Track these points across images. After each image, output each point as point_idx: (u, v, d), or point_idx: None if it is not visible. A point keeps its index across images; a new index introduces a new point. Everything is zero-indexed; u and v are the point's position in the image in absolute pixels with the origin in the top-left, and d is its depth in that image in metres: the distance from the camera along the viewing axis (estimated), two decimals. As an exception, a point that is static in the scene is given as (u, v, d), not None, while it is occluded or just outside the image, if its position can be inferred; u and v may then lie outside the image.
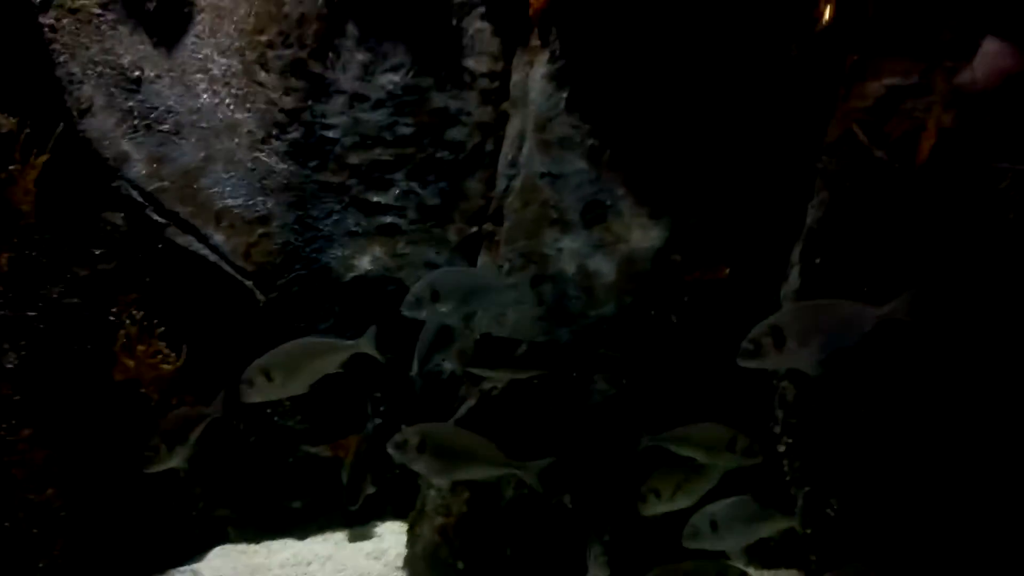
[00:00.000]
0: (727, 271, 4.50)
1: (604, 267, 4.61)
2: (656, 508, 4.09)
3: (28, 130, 4.00)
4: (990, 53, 3.39)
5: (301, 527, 5.08)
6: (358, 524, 5.12)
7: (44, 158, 4.04)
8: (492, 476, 4.14)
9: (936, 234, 3.78)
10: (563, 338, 4.49)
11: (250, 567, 4.78)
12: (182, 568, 4.73)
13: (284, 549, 4.95)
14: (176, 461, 3.94)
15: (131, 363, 4.42)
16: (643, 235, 4.62)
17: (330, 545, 5.00)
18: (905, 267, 3.92)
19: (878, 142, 3.78)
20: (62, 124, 4.19)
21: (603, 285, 4.58)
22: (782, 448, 4.40)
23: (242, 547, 4.97)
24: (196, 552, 4.86)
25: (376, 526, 5.14)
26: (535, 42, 4.80)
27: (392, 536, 5.01)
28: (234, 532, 5.00)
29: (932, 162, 3.68)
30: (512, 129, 4.91)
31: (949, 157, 3.68)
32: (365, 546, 4.93)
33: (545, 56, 4.72)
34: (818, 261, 4.16)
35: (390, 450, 3.81)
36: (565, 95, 4.64)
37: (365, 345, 4.02)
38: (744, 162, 4.49)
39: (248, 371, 3.83)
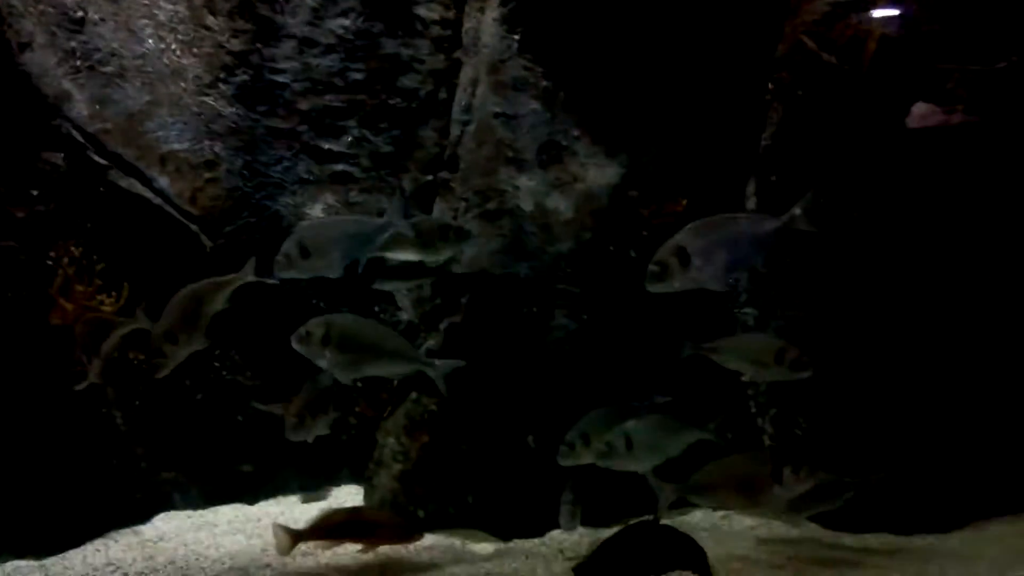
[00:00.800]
0: (684, 203, 4.51)
1: (561, 205, 4.56)
2: (581, 458, 3.86)
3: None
4: (918, 114, 3.80)
5: (251, 492, 4.83)
6: (312, 488, 4.90)
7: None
8: (400, 372, 3.90)
9: (883, 135, 3.88)
10: (521, 272, 4.43)
11: (195, 526, 4.52)
12: (123, 530, 4.46)
13: (232, 512, 4.71)
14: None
15: (69, 306, 4.21)
16: (599, 173, 4.61)
17: (283, 506, 4.77)
18: (857, 175, 4.00)
19: (826, 48, 3.87)
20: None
21: (561, 222, 4.54)
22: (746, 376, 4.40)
23: (188, 512, 4.71)
24: (139, 517, 4.57)
25: (331, 490, 4.92)
26: (486, -13, 4.86)
27: (349, 498, 4.79)
28: (179, 498, 4.74)
29: (878, 65, 3.79)
30: (465, 76, 4.90)
31: (894, 60, 3.79)
32: (320, 505, 4.70)
33: (496, 0, 4.77)
34: (774, 179, 4.23)
35: (294, 343, 3.59)
36: (517, 37, 4.66)
37: (247, 275, 3.79)
38: (697, 97, 4.54)
39: (153, 342, 3.63)
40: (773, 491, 3.47)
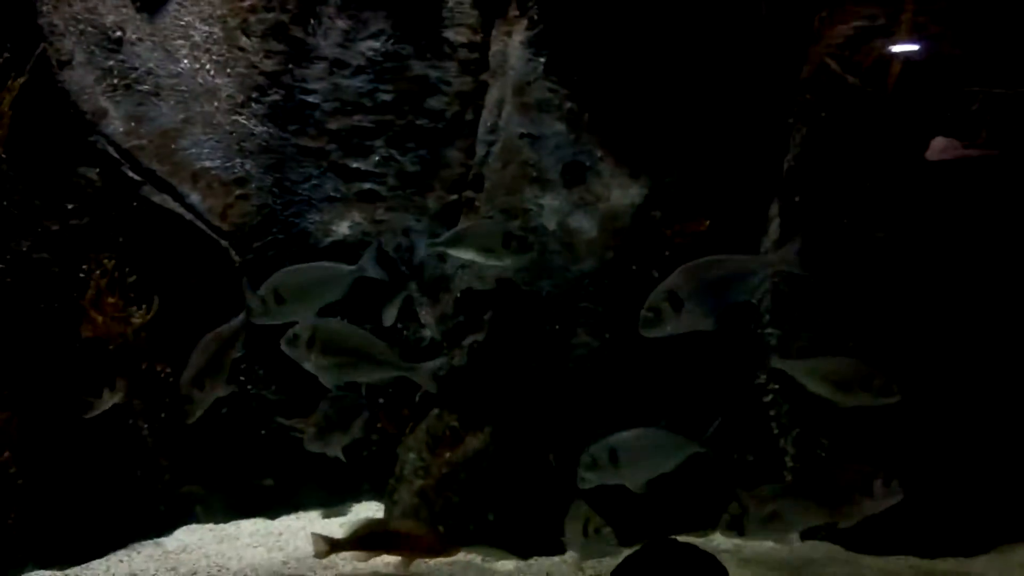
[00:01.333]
0: (706, 224, 4.55)
1: (585, 224, 4.61)
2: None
3: (7, 54, 3.99)
4: (937, 148, 3.85)
5: (273, 506, 4.85)
6: (333, 503, 4.92)
7: (22, 80, 4.02)
8: (384, 377, 3.94)
9: (907, 157, 3.91)
10: (544, 290, 4.47)
11: (217, 538, 4.55)
12: (145, 542, 4.49)
13: (253, 526, 4.73)
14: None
15: (99, 318, 4.29)
16: (622, 193, 4.65)
17: (304, 521, 4.78)
18: (880, 197, 4.02)
19: (850, 71, 3.92)
20: (42, 45, 4.19)
21: (584, 241, 4.58)
22: (768, 398, 4.41)
23: (209, 525, 4.74)
24: (162, 529, 4.61)
25: (352, 505, 4.93)
26: (513, 12, 4.93)
27: (369, 514, 4.79)
28: (202, 511, 4.77)
29: (902, 87, 3.83)
30: (491, 98, 4.98)
31: (918, 83, 3.83)
32: (340, 520, 4.72)
33: (523, 24, 4.85)
34: (797, 200, 4.25)
35: (282, 346, 3.68)
36: (543, 60, 4.75)
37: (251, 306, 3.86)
38: (720, 118, 4.59)
39: (182, 389, 3.80)
40: (863, 504, 3.46)
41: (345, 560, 4.12)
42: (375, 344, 3.87)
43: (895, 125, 3.86)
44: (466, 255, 4.08)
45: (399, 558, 3.94)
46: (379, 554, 3.97)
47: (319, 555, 3.82)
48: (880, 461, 4.00)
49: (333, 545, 3.84)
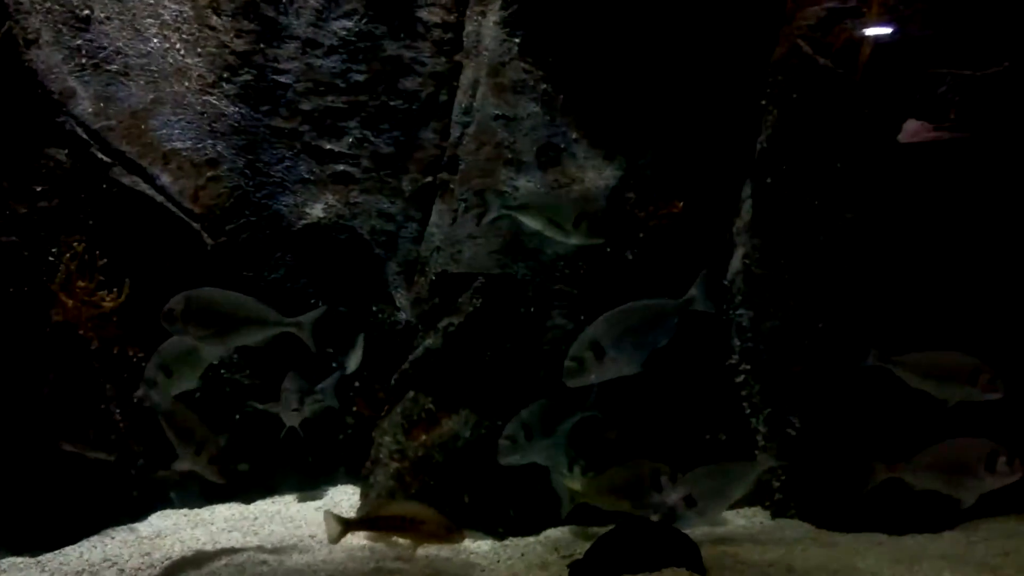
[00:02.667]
0: (680, 205, 4.56)
1: (560, 206, 4.63)
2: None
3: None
4: (909, 131, 3.94)
5: (248, 491, 4.83)
6: (309, 487, 4.91)
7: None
8: (265, 336, 3.92)
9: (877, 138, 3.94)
10: (519, 273, 4.47)
11: (192, 523, 4.53)
12: (119, 527, 4.47)
13: (228, 511, 4.72)
14: None
15: (70, 302, 4.23)
16: (597, 175, 4.65)
17: (279, 505, 4.78)
18: (851, 178, 4.05)
19: (821, 52, 3.94)
20: (7, 24, 4.11)
21: (559, 223, 4.61)
22: (740, 378, 4.45)
23: (184, 511, 4.71)
24: (136, 514, 4.57)
25: (327, 489, 4.93)
26: (487, -9, 4.91)
27: (345, 496, 4.82)
28: (176, 496, 4.75)
29: (872, 69, 3.85)
30: (466, 78, 4.96)
31: (888, 65, 3.85)
32: (315, 503, 4.73)
33: (497, 4, 4.81)
34: (769, 181, 4.28)
35: (162, 323, 3.68)
36: (518, 40, 4.72)
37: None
38: (694, 101, 4.60)
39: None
40: (983, 479, 3.54)
41: (321, 544, 4.14)
42: (251, 305, 3.86)
43: (865, 106, 3.90)
44: (534, 224, 4.09)
45: (408, 540, 3.96)
46: (389, 536, 4.03)
47: (331, 538, 3.83)
48: (849, 440, 4.11)
49: (346, 525, 3.85)
